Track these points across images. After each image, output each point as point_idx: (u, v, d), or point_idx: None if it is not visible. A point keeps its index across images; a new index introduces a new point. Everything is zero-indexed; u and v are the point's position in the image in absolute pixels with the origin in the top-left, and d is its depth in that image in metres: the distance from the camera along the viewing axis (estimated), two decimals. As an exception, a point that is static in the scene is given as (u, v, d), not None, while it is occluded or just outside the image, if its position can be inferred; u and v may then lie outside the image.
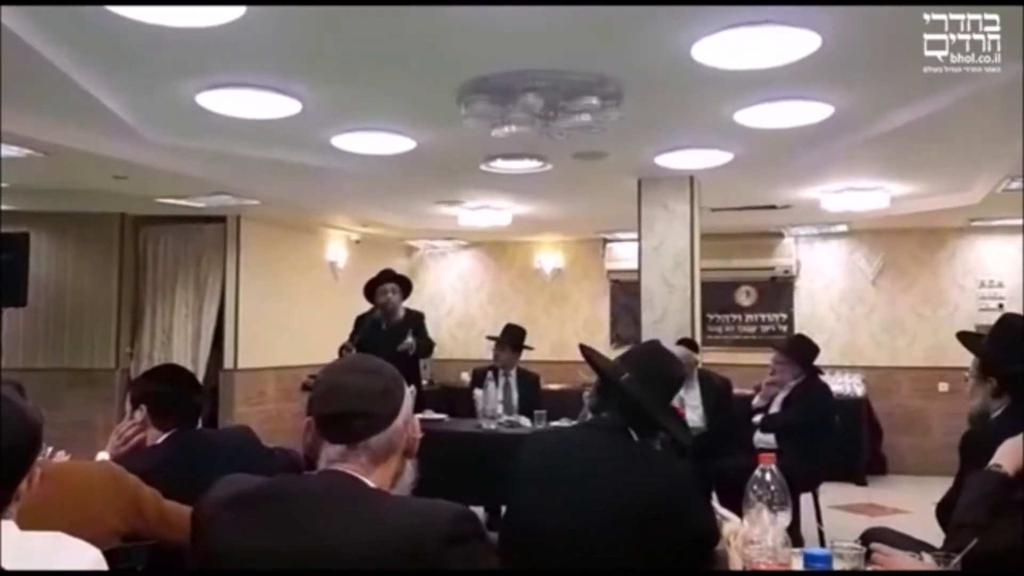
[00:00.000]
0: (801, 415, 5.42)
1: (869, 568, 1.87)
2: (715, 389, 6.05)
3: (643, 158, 5.62)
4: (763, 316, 9.47)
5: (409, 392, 1.58)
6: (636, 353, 2.66)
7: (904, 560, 1.79)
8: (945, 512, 2.11)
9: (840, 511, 6.80)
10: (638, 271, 6.36)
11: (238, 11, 3.04)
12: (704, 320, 8.12)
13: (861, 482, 8.00)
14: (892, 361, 8.99)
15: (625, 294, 9.60)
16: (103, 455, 2.38)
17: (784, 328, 9.26)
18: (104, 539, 1.75)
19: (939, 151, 5.44)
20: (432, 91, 4.11)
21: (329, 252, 9.27)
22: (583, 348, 2.62)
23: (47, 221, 7.55)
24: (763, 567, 1.54)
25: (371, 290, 6.05)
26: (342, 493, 1.40)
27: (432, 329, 6.58)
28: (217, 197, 6.74)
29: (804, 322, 8.89)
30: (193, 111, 4.36)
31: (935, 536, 2.31)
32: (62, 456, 2.49)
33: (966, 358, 9.00)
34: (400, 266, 8.85)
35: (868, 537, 2.08)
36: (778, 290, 9.43)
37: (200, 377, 6.86)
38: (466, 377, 7.38)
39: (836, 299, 9.25)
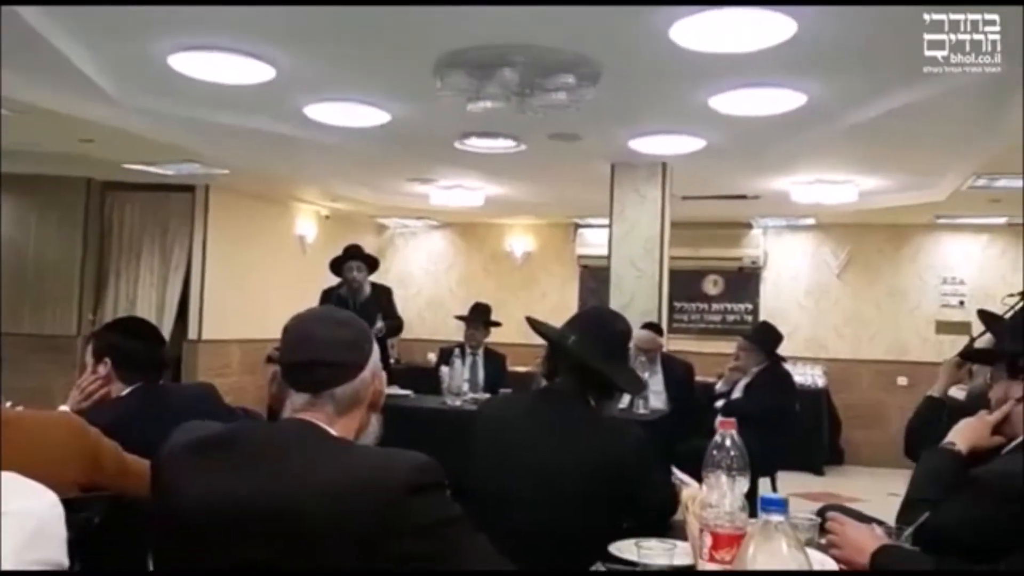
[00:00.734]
0: (762, 401, 5.50)
1: (823, 541, 1.91)
2: (677, 374, 6.11)
3: (617, 142, 5.64)
4: (729, 306, 9.57)
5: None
6: (580, 317, 2.69)
7: (856, 529, 1.83)
8: None
9: (797, 498, 6.88)
10: (608, 256, 6.39)
11: (214, -31, 3.01)
12: (671, 308, 8.18)
13: (819, 471, 8.12)
14: (854, 354, 9.13)
15: (594, 280, 9.63)
16: (64, 408, 2.35)
17: (749, 318, 9.36)
18: (62, 490, 1.73)
19: (909, 146, 5.52)
20: (409, 63, 4.09)
21: (298, 226, 9.20)
22: (529, 319, 2.64)
23: (11, 183, 7.40)
24: (720, 531, 1.56)
25: (337, 266, 6.02)
26: (305, 440, 1.40)
27: (400, 309, 6.57)
28: (186, 165, 6.66)
29: (769, 313, 8.97)
30: (164, 73, 4.29)
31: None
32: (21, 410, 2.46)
33: (926, 353, 9.18)
34: (370, 244, 8.81)
35: (824, 511, 2.12)
36: (745, 280, 9.52)
37: (164, 346, 6.77)
38: (433, 357, 7.39)
39: (801, 291, 9.36)
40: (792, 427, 5.78)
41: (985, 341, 3.33)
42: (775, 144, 5.50)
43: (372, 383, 1.52)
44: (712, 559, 1.58)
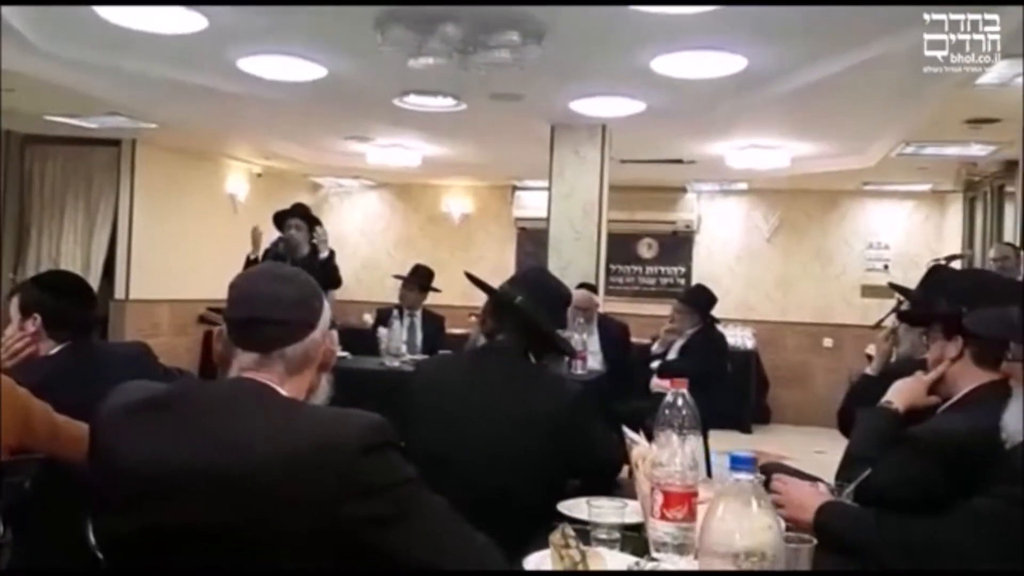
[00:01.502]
0: (697, 363, 5.58)
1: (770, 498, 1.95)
2: (613, 334, 6.17)
3: (558, 103, 5.61)
4: (663, 269, 9.69)
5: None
6: (526, 277, 2.70)
7: (800, 488, 1.87)
8: None
9: (727, 456, 7.08)
10: (547, 218, 6.39)
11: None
12: (607, 271, 8.24)
13: (747, 430, 8.33)
14: (781, 316, 9.35)
15: (531, 242, 9.63)
16: (-12, 367, 2.23)
17: (682, 281, 9.50)
18: (-9, 453, 1.66)
19: (841, 113, 5.63)
20: (349, 15, 3.98)
21: (229, 184, 8.95)
22: (471, 276, 2.62)
23: (-78, 135, 7.05)
24: (671, 490, 1.58)
25: (280, 221, 5.88)
26: (253, 399, 1.35)
27: (335, 269, 6.46)
28: (112, 118, 6.40)
29: (701, 276, 9.07)
30: (90, 21, 4.09)
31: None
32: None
33: (851, 316, 9.43)
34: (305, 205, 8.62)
35: (765, 470, 2.16)
36: (678, 244, 9.65)
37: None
38: (368, 319, 7.30)
39: (732, 255, 9.53)
40: (724, 388, 5.89)
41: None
42: (713, 108, 5.54)
43: (323, 343, 1.47)
44: (663, 517, 1.60)
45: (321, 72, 4.95)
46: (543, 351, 2.54)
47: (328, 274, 5.52)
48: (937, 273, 2.68)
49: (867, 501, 1.88)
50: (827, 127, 6.16)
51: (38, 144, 7.50)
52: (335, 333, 1.54)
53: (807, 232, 9.33)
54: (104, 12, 3.96)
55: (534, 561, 1.59)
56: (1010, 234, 6.28)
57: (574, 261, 6.22)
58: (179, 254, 8.04)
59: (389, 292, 8.37)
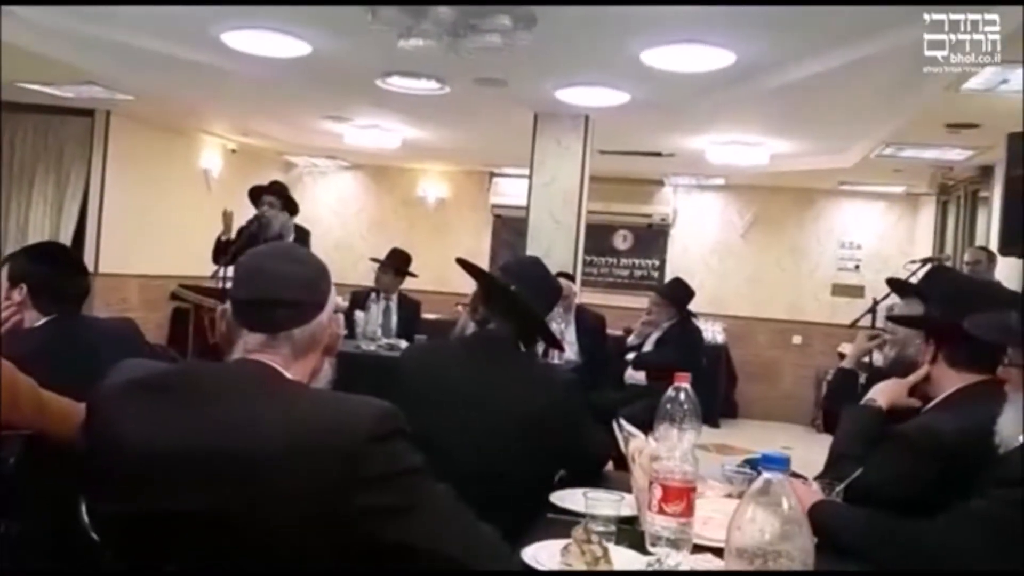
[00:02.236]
0: (672, 355, 5.60)
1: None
2: (589, 325, 6.17)
3: (543, 91, 5.58)
4: (637, 261, 9.72)
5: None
6: (520, 265, 2.65)
7: (797, 486, 1.88)
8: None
9: (697, 449, 7.13)
10: (527, 206, 6.37)
11: None
12: (582, 261, 8.25)
13: (715, 424, 8.39)
14: (753, 312, 9.43)
15: (507, 230, 9.63)
16: (-33, 338, 2.17)
17: (656, 274, 9.54)
18: (-27, 428, 1.62)
19: (826, 111, 5.66)
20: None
21: (203, 159, 8.82)
22: (461, 261, 2.58)
23: None
24: (670, 484, 1.58)
25: (255, 197, 5.80)
26: (259, 383, 1.32)
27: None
28: (86, 87, 6.26)
29: (675, 269, 9.13)
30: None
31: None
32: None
33: (821, 314, 9.53)
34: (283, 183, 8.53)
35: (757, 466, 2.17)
36: (653, 237, 9.68)
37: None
38: (340, 301, 7.23)
39: (707, 249, 9.58)
40: (697, 382, 5.92)
41: (888, 306, 3.48)
42: (698, 102, 5.55)
43: (329, 326, 1.45)
44: (662, 511, 1.60)
45: (306, 49, 4.87)
46: (532, 340, 2.53)
47: None
48: (938, 273, 2.72)
49: (856, 498, 1.89)
50: (810, 125, 6.20)
51: (8, 112, 7.29)
52: (340, 316, 1.51)
53: (781, 229, 9.40)
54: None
55: (531, 553, 1.59)
56: (981, 238, 6.39)
57: (552, 250, 6.21)
58: (150, 229, 7.92)
59: (361, 275, 8.30)
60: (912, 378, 2.22)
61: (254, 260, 1.43)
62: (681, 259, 9.54)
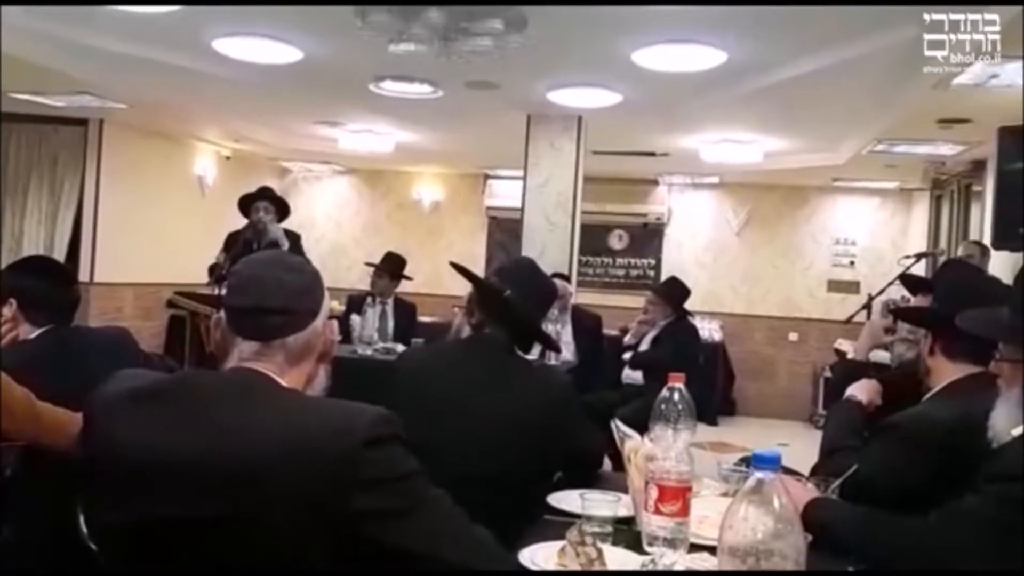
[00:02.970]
0: (668, 354, 5.61)
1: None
2: (586, 326, 6.18)
3: (535, 93, 5.59)
4: (633, 260, 9.73)
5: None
6: (516, 269, 2.64)
7: (788, 483, 1.89)
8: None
9: (694, 447, 7.10)
10: (521, 208, 6.38)
11: None
12: (577, 262, 8.26)
13: (712, 422, 8.41)
14: (748, 310, 9.45)
15: (502, 232, 9.63)
16: (-35, 353, 2.17)
17: (652, 273, 9.55)
18: (-31, 439, 1.62)
19: (818, 109, 5.68)
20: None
21: (197, 166, 8.82)
22: (455, 265, 2.59)
23: None
24: (666, 484, 1.59)
25: (245, 206, 5.80)
26: (255, 390, 1.33)
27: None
28: (79, 97, 6.25)
29: (671, 268, 9.15)
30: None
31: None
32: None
33: (816, 310, 9.56)
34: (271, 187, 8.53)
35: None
36: (649, 236, 9.69)
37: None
38: (336, 306, 7.25)
39: (702, 248, 9.60)
40: (694, 380, 5.93)
41: (891, 301, 3.49)
42: (690, 101, 5.56)
43: (324, 333, 1.45)
44: (658, 511, 1.61)
45: (297, 55, 4.88)
46: (528, 344, 2.54)
47: None
48: (946, 268, 2.74)
49: (851, 491, 1.90)
50: (803, 123, 6.22)
51: (2, 122, 7.32)
52: (335, 323, 1.51)
53: (776, 227, 9.42)
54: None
55: (528, 554, 1.59)
56: (975, 232, 6.40)
57: (547, 251, 6.23)
58: (145, 237, 7.92)
59: (356, 279, 8.32)
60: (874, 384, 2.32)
61: (248, 268, 1.43)
62: (676, 258, 9.56)
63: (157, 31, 4.60)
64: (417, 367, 2.52)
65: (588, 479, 2.24)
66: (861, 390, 2.39)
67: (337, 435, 1.25)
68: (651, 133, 6.90)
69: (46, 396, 1.96)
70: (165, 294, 7.86)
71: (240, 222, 5.93)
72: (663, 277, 8.92)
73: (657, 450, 1.67)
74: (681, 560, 1.56)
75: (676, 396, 1.70)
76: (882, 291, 6.61)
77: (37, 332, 2.24)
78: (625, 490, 1.90)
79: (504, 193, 9.38)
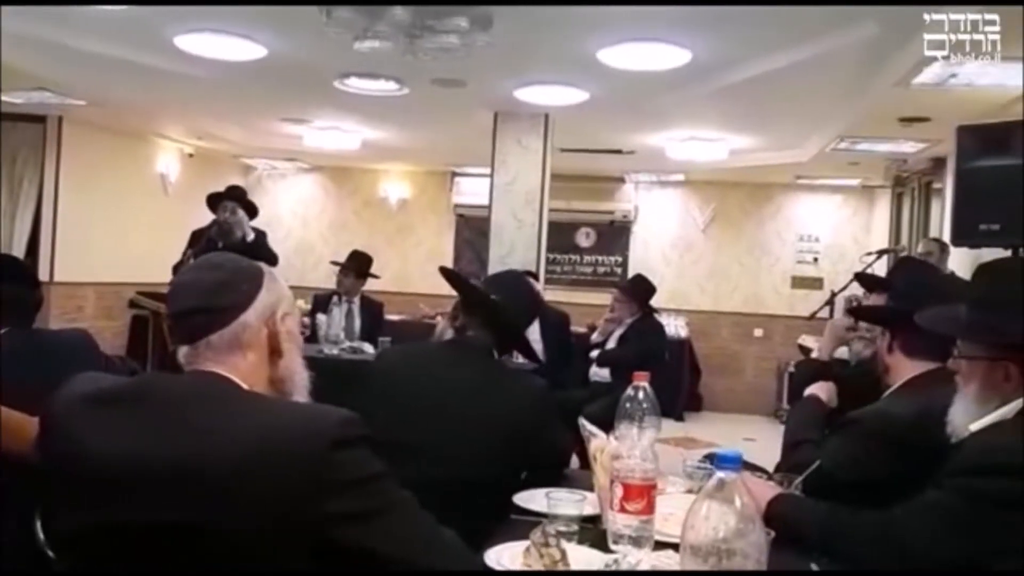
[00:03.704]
0: (635, 351, 5.64)
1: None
2: (553, 324, 6.18)
3: (502, 91, 5.59)
4: (600, 258, 9.77)
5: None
6: (502, 280, 2.72)
7: (751, 481, 1.91)
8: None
9: (661, 443, 7.15)
10: (488, 205, 6.37)
11: None
12: (545, 259, 8.28)
13: (679, 417, 8.47)
14: (714, 306, 9.53)
15: (470, 229, 9.63)
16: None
17: (619, 270, 9.60)
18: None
19: (781, 107, 5.73)
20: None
21: (159, 164, 8.71)
22: (444, 270, 2.60)
23: None
24: (631, 482, 1.59)
25: (213, 204, 5.73)
26: (217, 394, 1.31)
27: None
28: (37, 93, 6.14)
29: (637, 266, 9.20)
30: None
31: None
32: None
33: (780, 307, 9.65)
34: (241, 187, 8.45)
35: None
36: (616, 234, 9.74)
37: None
38: (302, 304, 7.19)
39: (668, 245, 9.66)
40: (660, 376, 5.97)
41: (853, 298, 3.54)
42: (656, 100, 5.59)
43: (261, 326, 1.41)
44: (623, 510, 1.61)
45: (261, 52, 4.83)
46: (508, 350, 2.56)
47: (255, 254, 5.39)
48: (901, 266, 2.78)
49: (813, 486, 1.93)
50: (766, 121, 6.28)
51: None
52: (293, 317, 1.48)
53: (741, 224, 9.51)
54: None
55: (494, 555, 1.59)
56: (935, 229, 6.51)
57: (515, 249, 6.23)
58: (106, 235, 7.81)
59: (323, 277, 8.25)
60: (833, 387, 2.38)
61: (181, 275, 1.45)
62: (643, 255, 9.61)
63: (118, 27, 4.53)
64: (392, 367, 2.52)
65: (555, 477, 2.24)
66: (820, 390, 2.45)
67: (303, 438, 1.24)
68: (618, 131, 6.93)
69: (3, 399, 1.92)
70: (127, 293, 7.75)
71: (204, 219, 5.85)
72: (630, 274, 8.97)
73: (622, 448, 1.68)
74: (646, 558, 1.57)
75: (640, 395, 1.71)
76: (844, 288, 6.69)
77: (-5, 334, 2.19)
78: (591, 489, 1.90)
79: (472, 191, 9.37)
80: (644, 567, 1.53)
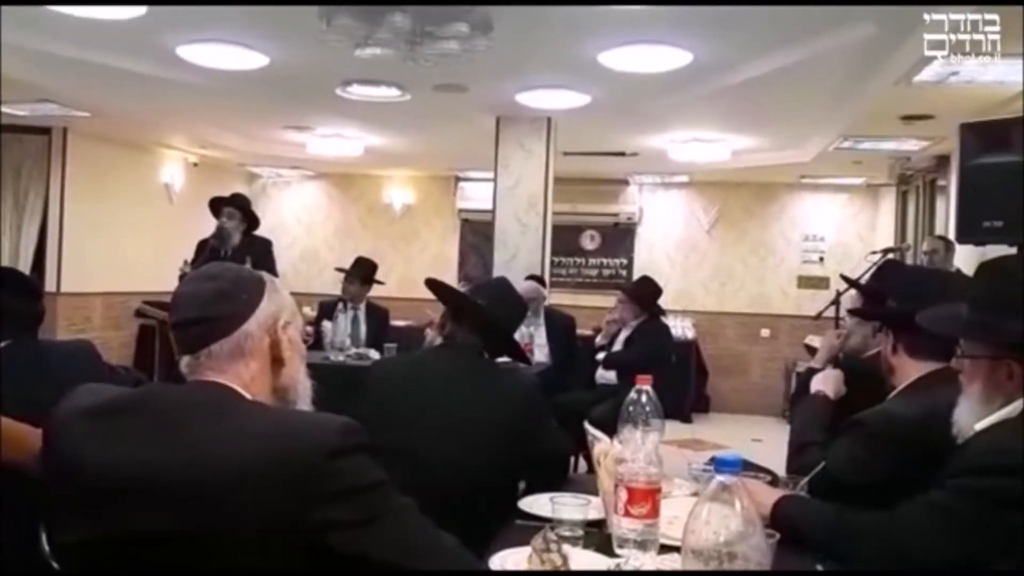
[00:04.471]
0: (641, 353, 5.63)
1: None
2: (560, 327, 6.19)
3: (503, 95, 5.60)
4: (605, 260, 9.77)
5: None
6: (488, 286, 2.78)
7: (755, 483, 1.90)
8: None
9: (668, 445, 7.14)
10: (492, 210, 6.38)
11: None
12: (550, 262, 8.28)
13: (687, 419, 8.46)
14: (720, 307, 9.52)
15: (474, 233, 9.64)
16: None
17: (624, 272, 9.59)
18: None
19: (783, 107, 5.73)
20: (293, 3, 3.90)
21: (164, 174, 8.75)
22: (430, 281, 2.61)
23: None
24: (635, 486, 1.59)
25: (216, 208, 5.74)
26: (218, 403, 1.32)
27: (273, 261, 6.34)
28: (41, 105, 6.18)
29: (643, 267, 9.20)
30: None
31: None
32: None
33: (787, 307, 9.63)
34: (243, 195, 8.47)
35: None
36: (620, 236, 9.73)
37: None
38: (307, 311, 7.20)
39: (673, 247, 9.65)
40: (667, 378, 5.96)
41: (850, 298, 3.54)
42: (658, 101, 5.59)
43: (263, 335, 1.41)
44: (628, 514, 1.61)
45: (263, 61, 4.85)
46: (498, 353, 2.58)
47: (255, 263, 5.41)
48: (890, 267, 2.77)
49: (818, 487, 1.92)
50: (768, 121, 6.27)
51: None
52: (295, 325, 1.48)
53: (745, 224, 9.50)
54: (37, -4, 3.82)
55: (498, 560, 1.59)
56: (941, 226, 6.49)
57: (520, 253, 6.24)
58: (113, 246, 7.84)
59: (328, 284, 8.26)
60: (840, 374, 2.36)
61: (181, 286, 1.45)
62: (648, 257, 9.61)
63: (120, 38, 4.55)
64: (388, 374, 2.57)
65: (554, 482, 2.24)
66: (826, 383, 2.43)
67: (302, 447, 1.24)
68: (620, 133, 6.93)
69: (7, 411, 1.92)
70: (134, 303, 7.78)
71: (209, 228, 5.87)
72: (636, 276, 8.97)
73: (626, 452, 1.68)
74: (651, 562, 1.57)
75: (644, 398, 1.71)
76: (848, 288, 6.66)
77: (-2, 346, 2.19)
78: (596, 493, 1.90)
79: (475, 195, 9.38)
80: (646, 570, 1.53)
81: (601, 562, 1.60)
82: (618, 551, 1.63)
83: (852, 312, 2.69)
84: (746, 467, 2.13)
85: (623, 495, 1.62)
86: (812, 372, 2.84)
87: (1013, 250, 3.62)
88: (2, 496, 1.83)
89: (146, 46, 4.70)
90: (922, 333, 1.84)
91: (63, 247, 7.42)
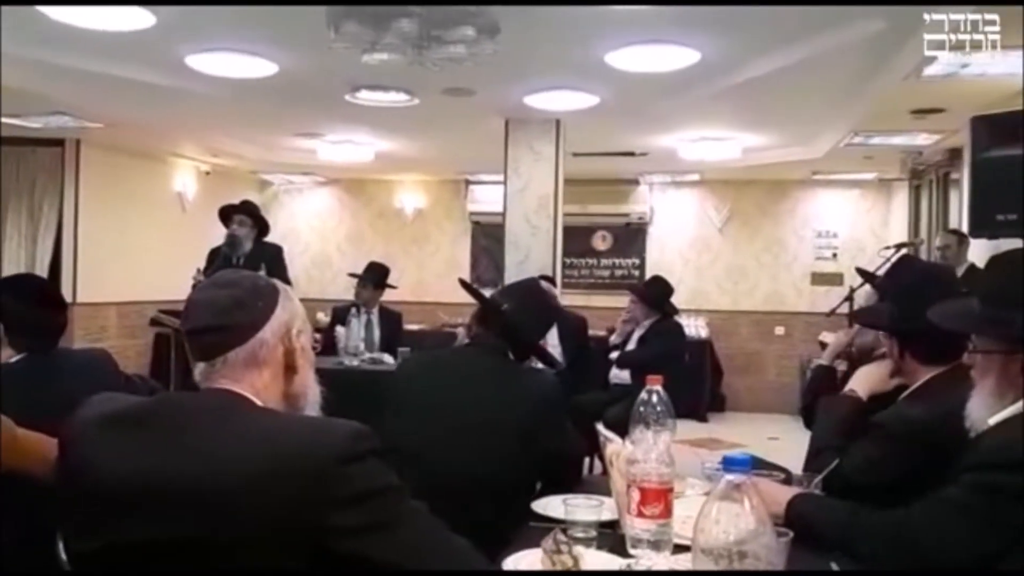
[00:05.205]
0: (654, 352, 5.63)
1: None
2: (572, 328, 6.18)
3: (512, 98, 5.61)
4: (617, 260, 9.76)
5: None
6: (514, 289, 2.76)
7: (768, 482, 1.90)
8: None
9: (683, 445, 7.16)
10: (503, 212, 6.39)
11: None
12: (562, 263, 8.28)
13: (702, 418, 8.44)
14: (734, 305, 9.48)
15: (486, 236, 9.65)
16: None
17: (636, 272, 9.57)
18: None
19: (792, 104, 5.71)
20: (300, 10, 3.92)
21: (177, 183, 8.80)
22: (463, 282, 2.66)
23: None
24: (648, 486, 1.59)
25: (226, 216, 5.78)
26: (229, 411, 1.33)
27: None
28: (56, 117, 6.23)
29: (655, 267, 9.18)
30: (32, 17, 3.97)
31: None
32: None
33: (801, 304, 9.58)
34: (253, 201, 8.51)
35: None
36: (632, 236, 9.72)
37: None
38: (322, 317, 7.22)
39: (685, 246, 9.63)
40: (681, 377, 5.95)
41: (865, 294, 3.52)
42: (666, 101, 5.59)
43: (277, 343, 1.42)
44: (641, 514, 1.61)
45: (272, 69, 4.88)
46: (524, 358, 2.59)
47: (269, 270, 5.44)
48: (899, 266, 2.75)
49: (833, 487, 1.92)
50: (778, 118, 6.25)
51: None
52: (305, 334, 1.49)
53: (758, 222, 9.46)
54: (48, 9, 3.85)
55: (512, 562, 1.59)
56: (955, 221, 6.44)
57: (531, 254, 6.25)
58: (127, 255, 7.90)
59: (341, 289, 8.28)
60: (888, 364, 2.24)
61: (194, 293, 1.46)
62: (660, 256, 9.59)
63: (131, 49, 4.59)
64: (411, 374, 2.62)
65: (567, 483, 2.24)
66: (861, 383, 2.28)
67: (312, 453, 1.25)
68: (629, 133, 6.93)
69: (26, 422, 1.94)
70: (149, 312, 7.81)
71: (222, 236, 5.90)
72: (648, 276, 8.95)
73: (638, 452, 1.68)
74: (664, 562, 1.57)
75: (655, 398, 1.70)
76: (862, 284, 6.63)
77: (17, 357, 2.21)
78: (609, 494, 1.90)
79: (486, 198, 9.39)
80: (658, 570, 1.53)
81: (615, 563, 1.60)
82: (632, 552, 1.63)
83: (855, 318, 2.68)
84: (760, 465, 2.14)
85: (635, 495, 1.62)
86: (820, 369, 2.82)
87: (1025, 243, 3.60)
88: (19, 505, 1.85)
89: (156, 57, 4.73)
90: (926, 340, 1.82)
91: (78, 258, 7.48)
